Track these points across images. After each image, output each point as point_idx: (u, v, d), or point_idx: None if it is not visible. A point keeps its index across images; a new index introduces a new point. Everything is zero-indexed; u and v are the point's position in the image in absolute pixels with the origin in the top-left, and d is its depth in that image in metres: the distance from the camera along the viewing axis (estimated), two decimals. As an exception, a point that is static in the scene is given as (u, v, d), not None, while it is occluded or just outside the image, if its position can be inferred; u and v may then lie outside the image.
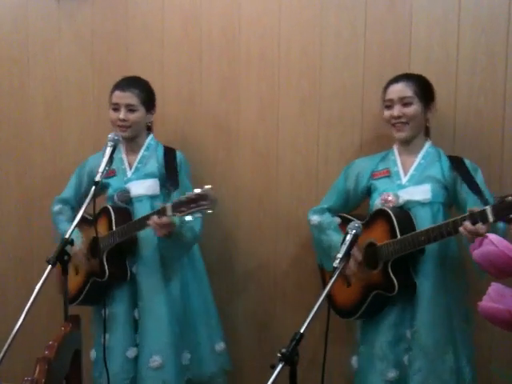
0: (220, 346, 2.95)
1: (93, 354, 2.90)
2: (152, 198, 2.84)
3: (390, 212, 2.49)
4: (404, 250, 2.42)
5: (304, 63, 2.99)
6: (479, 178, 2.51)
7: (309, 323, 1.79)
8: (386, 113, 2.61)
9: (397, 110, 2.56)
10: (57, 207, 3.02)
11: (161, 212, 2.55)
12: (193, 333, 2.89)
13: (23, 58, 3.44)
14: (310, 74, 2.99)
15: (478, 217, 2.18)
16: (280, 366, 1.68)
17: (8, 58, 3.47)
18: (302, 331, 1.76)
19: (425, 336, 2.46)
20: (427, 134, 2.67)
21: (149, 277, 2.81)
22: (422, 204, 2.52)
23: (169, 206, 2.50)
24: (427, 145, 2.63)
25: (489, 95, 2.75)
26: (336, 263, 1.95)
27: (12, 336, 1.98)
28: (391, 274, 2.46)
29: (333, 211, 2.76)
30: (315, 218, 2.76)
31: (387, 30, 2.86)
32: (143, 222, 2.63)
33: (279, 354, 1.70)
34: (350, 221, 2.65)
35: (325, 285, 2.79)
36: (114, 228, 2.74)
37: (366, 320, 2.65)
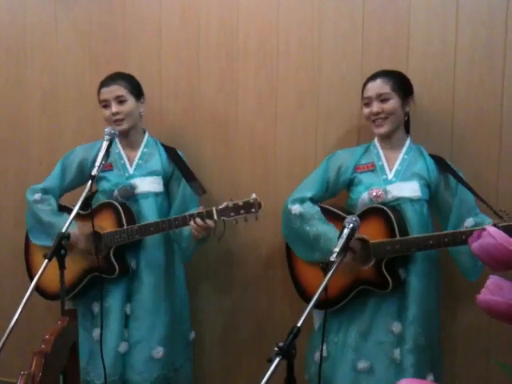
0: (191, 335, 3.06)
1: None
2: (157, 195, 2.87)
3: (389, 212, 2.50)
4: (406, 251, 2.45)
5: (302, 56, 2.98)
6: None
7: (306, 317, 1.78)
8: (366, 110, 2.64)
9: (375, 107, 2.59)
10: (36, 196, 2.89)
11: (206, 215, 2.62)
12: (173, 324, 2.92)
13: (20, 49, 3.43)
14: (308, 67, 2.98)
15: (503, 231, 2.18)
16: (277, 359, 1.68)
17: (5, 49, 3.46)
18: (299, 325, 1.75)
19: (419, 330, 2.51)
20: (407, 129, 2.69)
21: (152, 273, 2.84)
22: (411, 201, 2.55)
23: (214, 209, 2.60)
24: (408, 140, 2.66)
25: (487, 89, 2.74)
26: (333, 257, 1.94)
27: (9, 330, 1.98)
28: (385, 273, 2.48)
29: (314, 201, 2.73)
30: (296, 208, 2.69)
31: (386, 23, 2.85)
32: (184, 222, 2.66)
33: (276, 348, 1.69)
34: (329, 211, 2.67)
35: (291, 269, 2.82)
36: (125, 224, 2.72)
37: (335, 312, 2.64)
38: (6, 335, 1.98)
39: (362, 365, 2.56)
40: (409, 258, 2.53)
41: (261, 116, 3.07)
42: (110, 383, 2.75)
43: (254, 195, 2.59)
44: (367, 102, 2.63)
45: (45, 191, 2.92)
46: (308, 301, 2.65)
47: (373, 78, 2.63)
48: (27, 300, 2.05)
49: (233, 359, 3.25)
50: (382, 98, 2.58)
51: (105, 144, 2.39)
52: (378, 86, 2.59)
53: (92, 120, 3.30)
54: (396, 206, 2.56)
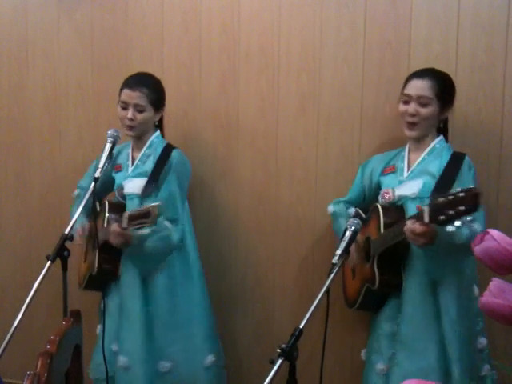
0: (208, 359, 2.84)
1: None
2: (142, 196, 2.77)
3: (379, 207, 2.51)
4: (384, 245, 2.42)
5: (304, 59, 2.99)
6: (470, 177, 2.46)
7: (308, 319, 1.79)
8: (402, 107, 2.53)
9: (412, 108, 2.49)
10: (75, 192, 3.01)
11: (119, 221, 2.52)
12: (179, 338, 2.80)
13: (22, 53, 3.43)
14: (309, 71, 2.99)
15: (419, 217, 2.17)
16: (279, 361, 1.69)
17: (7, 53, 3.46)
18: (301, 327, 1.76)
19: (405, 330, 2.46)
20: (443, 130, 2.62)
21: (127, 274, 2.77)
22: (411, 199, 2.50)
23: (125, 216, 2.47)
24: (436, 141, 2.57)
25: (488, 92, 2.75)
26: (335, 259, 1.95)
27: (11, 332, 1.98)
28: (375, 268, 2.46)
29: (351, 204, 2.77)
30: (330, 208, 2.80)
31: (387, 27, 2.86)
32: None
33: (279, 350, 1.70)
34: (360, 215, 2.69)
35: (343, 276, 2.81)
36: (105, 224, 2.71)
37: (372, 313, 2.67)
38: (8, 337, 1.99)
39: (379, 367, 2.53)
40: (405, 256, 2.47)
41: (262, 119, 3.08)
42: (110, 379, 2.74)
43: (156, 203, 2.37)
44: (406, 100, 2.51)
45: (82, 188, 2.98)
46: (347, 301, 2.71)
47: (420, 75, 2.51)
48: (29, 302, 2.05)
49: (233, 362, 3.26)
50: (422, 102, 2.47)
51: (108, 146, 2.40)
52: (422, 88, 2.47)
53: (94, 123, 3.31)
54: (402, 204, 2.53)
